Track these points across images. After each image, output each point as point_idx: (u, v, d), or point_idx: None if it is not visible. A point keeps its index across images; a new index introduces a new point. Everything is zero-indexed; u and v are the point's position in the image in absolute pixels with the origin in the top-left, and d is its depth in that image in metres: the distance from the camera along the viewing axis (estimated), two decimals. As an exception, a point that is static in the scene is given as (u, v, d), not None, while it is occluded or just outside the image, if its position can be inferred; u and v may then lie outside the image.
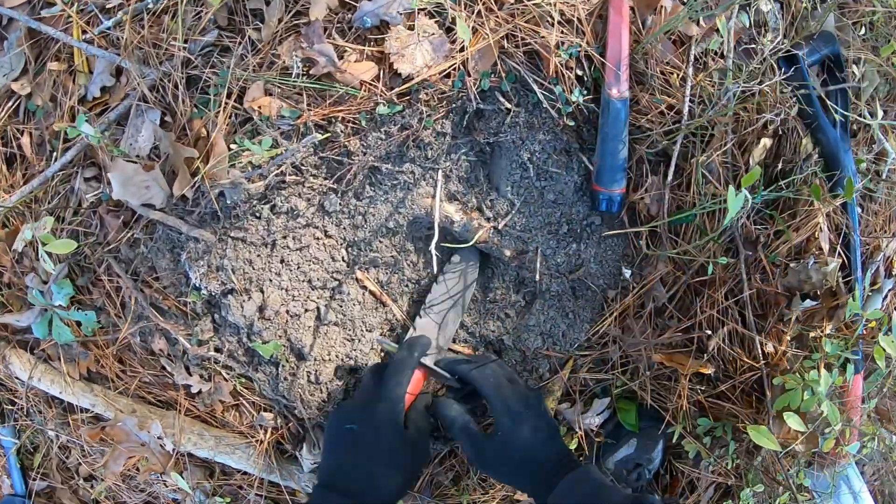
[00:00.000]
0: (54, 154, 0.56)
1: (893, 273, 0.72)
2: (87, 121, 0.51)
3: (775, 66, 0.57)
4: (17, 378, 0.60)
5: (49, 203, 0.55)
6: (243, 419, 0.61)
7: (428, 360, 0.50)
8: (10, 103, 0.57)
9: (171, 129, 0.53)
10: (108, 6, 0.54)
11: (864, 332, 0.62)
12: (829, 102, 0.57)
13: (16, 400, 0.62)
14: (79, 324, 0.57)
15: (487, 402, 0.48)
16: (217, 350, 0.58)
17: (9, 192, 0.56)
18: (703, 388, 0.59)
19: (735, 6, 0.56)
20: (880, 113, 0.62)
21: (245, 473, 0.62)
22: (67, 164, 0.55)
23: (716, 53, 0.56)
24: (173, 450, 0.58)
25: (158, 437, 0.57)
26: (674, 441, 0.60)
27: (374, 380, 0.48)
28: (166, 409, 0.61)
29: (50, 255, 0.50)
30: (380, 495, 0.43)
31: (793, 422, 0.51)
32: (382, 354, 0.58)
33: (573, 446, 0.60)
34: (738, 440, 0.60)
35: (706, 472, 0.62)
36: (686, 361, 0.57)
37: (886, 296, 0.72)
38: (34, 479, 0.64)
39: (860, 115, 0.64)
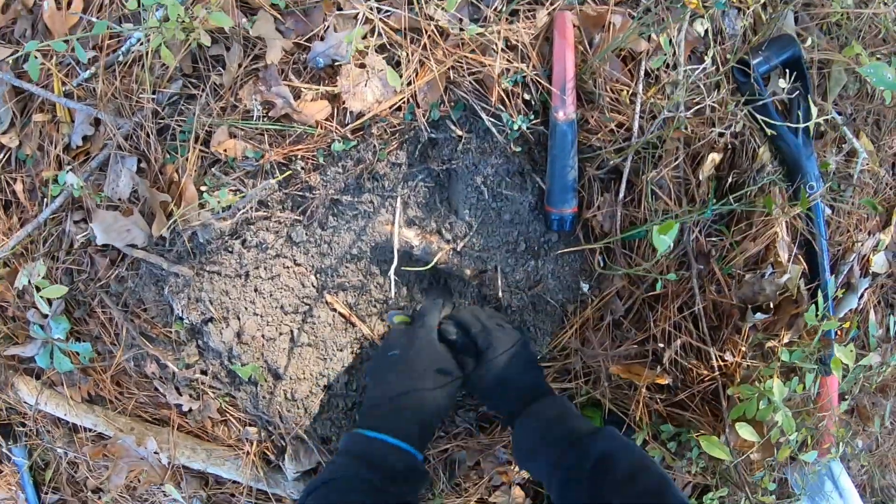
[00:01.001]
0: (45, 200, 0.62)
1: (870, 271, 0.73)
2: (71, 170, 0.57)
3: (727, 77, 0.58)
4: (25, 402, 0.68)
5: (43, 245, 0.62)
6: (231, 433, 0.67)
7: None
8: (1, 154, 0.63)
9: (146, 174, 0.58)
10: (83, 60, 0.60)
11: (839, 333, 0.63)
12: (803, 105, 0.57)
13: (25, 422, 0.70)
14: (77, 353, 0.64)
15: (477, 336, 0.54)
16: (203, 372, 0.64)
17: (7, 236, 0.63)
18: (662, 398, 0.62)
19: (686, 18, 0.57)
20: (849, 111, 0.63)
21: (235, 482, 0.68)
22: (57, 210, 0.61)
23: (667, 67, 0.58)
24: (169, 463, 0.65)
25: (155, 452, 0.64)
26: (639, 444, 0.63)
27: (403, 326, 0.55)
28: (161, 426, 0.68)
29: (45, 297, 0.57)
30: (427, 411, 0.49)
31: (745, 432, 0.54)
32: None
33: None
34: (700, 447, 0.62)
35: (680, 472, 0.66)
36: (642, 372, 0.60)
37: (863, 294, 0.73)
38: (46, 493, 0.72)
39: (828, 116, 0.65)
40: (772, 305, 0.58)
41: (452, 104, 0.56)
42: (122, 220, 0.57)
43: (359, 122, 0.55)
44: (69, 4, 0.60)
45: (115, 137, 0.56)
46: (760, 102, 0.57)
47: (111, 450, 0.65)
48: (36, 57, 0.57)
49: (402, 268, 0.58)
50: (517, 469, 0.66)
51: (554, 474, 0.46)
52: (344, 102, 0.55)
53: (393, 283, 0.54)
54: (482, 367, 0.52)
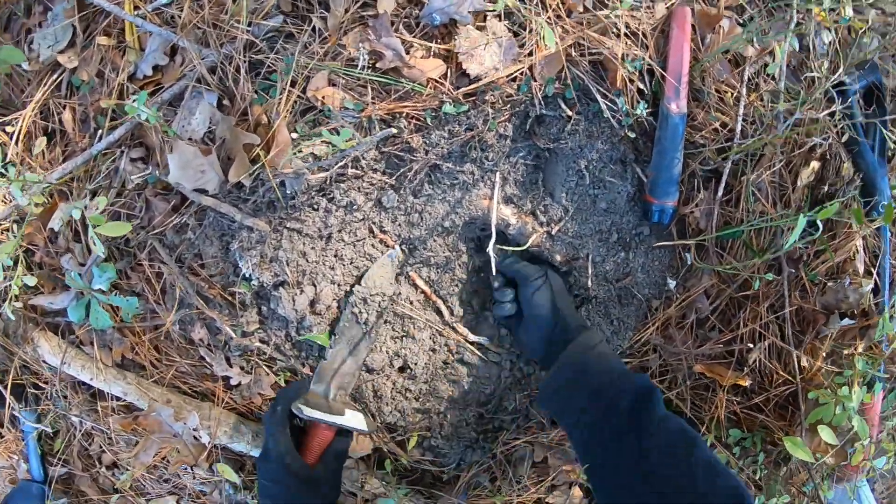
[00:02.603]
0: (99, 132, 0.54)
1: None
2: (145, 98, 0.50)
3: (830, 94, 0.59)
4: (44, 362, 0.58)
5: (91, 183, 0.54)
6: (281, 413, 0.60)
7: (311, 412, 0.50)
8: (54, 76, 0.55)
9: (229, 113, 0.52)
10: (163, -18, 0.53)
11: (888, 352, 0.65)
12: (880, 128, 0.59)
13: (40, 384, 0.60)
14: (116, 310, 0.56)
15: (519, 288, 0.55)
16: (263, 342, 0.57)
17: (46, 169, 0.54)
18: (738, 400, 0.61)
19: (790, 32, 0.58)
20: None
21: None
22: (113, 144, 0.53)
23: (768, 75, 0.58)
24: (209, 442, 0.57)
25: (194, 429, 0.57)
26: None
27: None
28: (202, 399, 0.60)
29: (97, 237, 0.49)
30: None
31: (826, 435, 0.54)
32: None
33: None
34: (766, 452, 0.62)
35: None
36: (725, 373, 0.59)
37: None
38: (54, 465, 0.62)
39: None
40: (855, 312, 0.59)
41: (570, 81, 0.53)
42: (200, 158, 0.50)
43: (473, 86, 0.52)
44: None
45: (199, 68, 0.50)
46: (853, 121, 0.58)
47: (143, 423, 0.57)
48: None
49: (498, 247, 0.54)
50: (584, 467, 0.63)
51: (588, 411, 0.46)
52: (460, 64, 0.51)
53: (493, 259, 0.50)
54: (521, 316, 0.54)
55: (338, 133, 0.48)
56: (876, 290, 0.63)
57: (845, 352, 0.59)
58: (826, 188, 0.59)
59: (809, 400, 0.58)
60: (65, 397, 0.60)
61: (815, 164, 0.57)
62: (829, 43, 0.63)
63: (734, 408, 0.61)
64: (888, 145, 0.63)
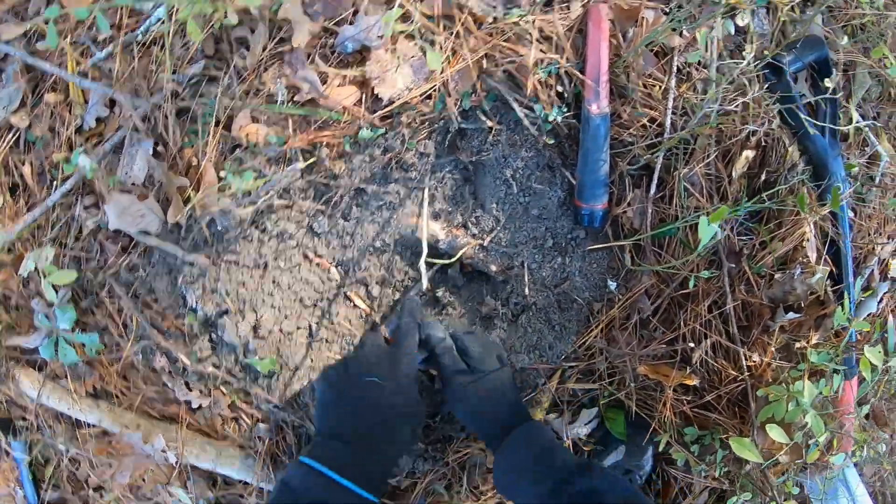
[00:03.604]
0: (55, 183, 0.59)
1: (889, 276, 0.72)
2: (83, 152, 0.54)
3: (759, 76, 0.57)
4: (27, 395, 0.64)
5: (51, 230, 0.59)
6: (242, 431, 0.64)
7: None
8: (9, 135, 0.60)
9: (163, 158, 0.56)
10: (99, 38, 0.57)
11: (859, 337, 0.62)
12: (830, 106, 0.57)
13: (26, 416, 0.66)
14: (83, 345, 0.61)
15: (466, 349, 0.53)
16: (216, 367, 0.61)
17: (13, 220, 0.60)
18: (688, 399, 0.60)
19: (719, 15, 0.56)
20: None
21: (245, 483, 0.65)
22: (67, 193, 0.58)
23: (699, 64, 0.57)
24: (176, 462, 0.61)
25: (162, 450, 0.61)
26: (661, 449, 0.61)
27: (381, 340, 0.51)
28: (169, 423, 0.64)
29: (52, 284, 0.54)
30: (388, 453, 0.46)
31: (775, 433, 0.53)
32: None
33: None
34: (726, 448, 0.61)
35: (699, 477, 0.64)
36: (670, 373, 0.58)
37: (882, 299, 0.72)
38: (46, 490, 0.68)
39: (851, 119, 0.64)
40: (802, 305, 0.57)
41: (484, 94, 0.54)
42: (138, 205, 0.54)
43: (388, 109, 0.53)
44: (85, -19, 0.58)
45: (132, 118, 0.54)
46: (793, 98, 0.56)
47: (116, 446, 0.62)
48: (54, 23, 0.54)
49: (428, 260, 0.56)
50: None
51: None
52: (373, 88, 0.53)
53: (424, 274, 0.52)
54: (474, 375, 0.50)
55: (241, 175, 0.51)
56: (833, 278, 0.61)
57: (797, 345, 0.58)
58: (764, 176, 0.58)
59: (760, 397, 0.56)
60: (49, 427, 0.65)
61: (748, 154, 0.56)
62: (769, 22, 0.61)
63: (684, 408, 0.60)
64: (840, 124, 0.60)
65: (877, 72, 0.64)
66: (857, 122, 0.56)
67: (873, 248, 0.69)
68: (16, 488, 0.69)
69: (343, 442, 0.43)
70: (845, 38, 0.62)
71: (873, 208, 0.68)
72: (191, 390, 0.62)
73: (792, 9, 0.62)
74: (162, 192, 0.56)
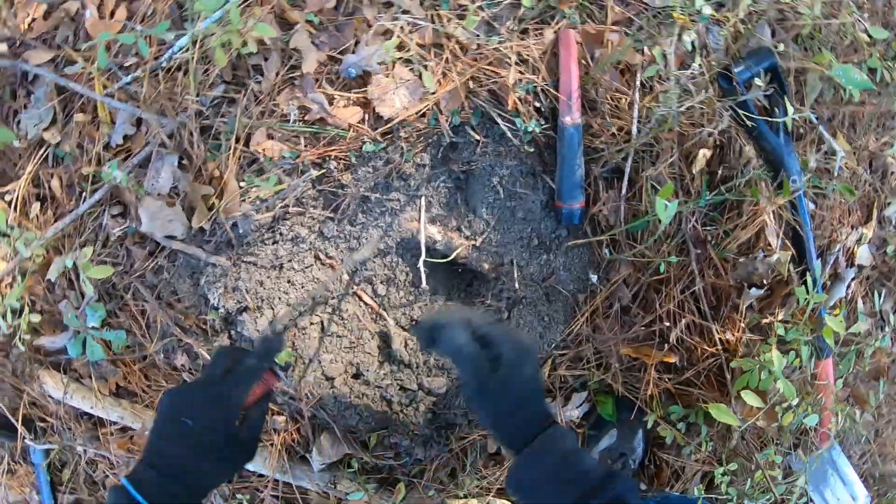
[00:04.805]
0: (83, 195, 0.72)
1: (854, 263, 0.87)
2: (115, 166, 0.68)
3: (713, 84, 0.73)
4: (50, 397, 0.76)
5: (80, 238, 0.72)
6: (256, 426, 0.76)
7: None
8: (41, 150, 0.74)
9: (188, 170, 0.70)
10: (125, 64, 0.72)
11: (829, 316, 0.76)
12: (783, 107, 0.71)
13: (46, 418, 0.78)
14: (108, 344, 0.73)
15: (495, 343, 0.51)
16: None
17: (41, 229, 0.73)
18: (670, 377, 0.74)
19: (675, 34, 0.72)
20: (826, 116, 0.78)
21: (260, 476, 0.77)
22: (95, 204, 0.71)
23: (660, 77, 0.73)
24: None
25: (181, 445, 0.73)
26: (649, 427, 0.74)
27: (220, 372, 0.51)
28: (186, 420, 0.76)
29: (88, 280, 0.67)
30: (199, 485, 0.49)
31: (750, 398, 0.65)
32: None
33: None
34: (710, 425, 0.74)
35: (689, 460, 0.77)
36: (651, 353, 0.72)
37: (849, 284, 0.87)
38: (63, 494, 0.80)
39: (806, 120, 0.80)
40: (765, 282, 0.71)
41: (471, 111, 0.69)
42: (167, 210, 0.67)
43: (388, 126, 0.68)
44: (112, 14, 0.73)
45: (159, 135, 0.68)
46: (741, 100, 0.72)
47: (137, 441, 0.74)
48: (82, 60, 0.68)
49: (427, 259, 0.70)
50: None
51: None
52: (374, 108, 0.67)
53: (423, 273, 0.66)
54: (499, 375, 0.49)
55: (266, 180, 0.65)
56: (797, 261, 0.76)
57: (764, 321, 0.72)
58: (721, 171, 0.73)
59: (734, 369, 0.70)
60: (69, 429, 0.77)
61: (705, 152, 0.71)
62: (724, 37, 0.77)
63: (667, 385, 0.74)
64: (791, 123, 0.76)
65: (827, 76, 0.80)
66: (794, 117, 0.71)
67: (835, 237, 0.85)
68: (31, 493, 0.80)
69: (158, 473, 0.47)
70: (794, 46, 0.78)
71: (833, 199, 0.84)
72: (208, 386, 0.75)
73: (742, 21, 0.78)
74: (186, 202, 0.70)
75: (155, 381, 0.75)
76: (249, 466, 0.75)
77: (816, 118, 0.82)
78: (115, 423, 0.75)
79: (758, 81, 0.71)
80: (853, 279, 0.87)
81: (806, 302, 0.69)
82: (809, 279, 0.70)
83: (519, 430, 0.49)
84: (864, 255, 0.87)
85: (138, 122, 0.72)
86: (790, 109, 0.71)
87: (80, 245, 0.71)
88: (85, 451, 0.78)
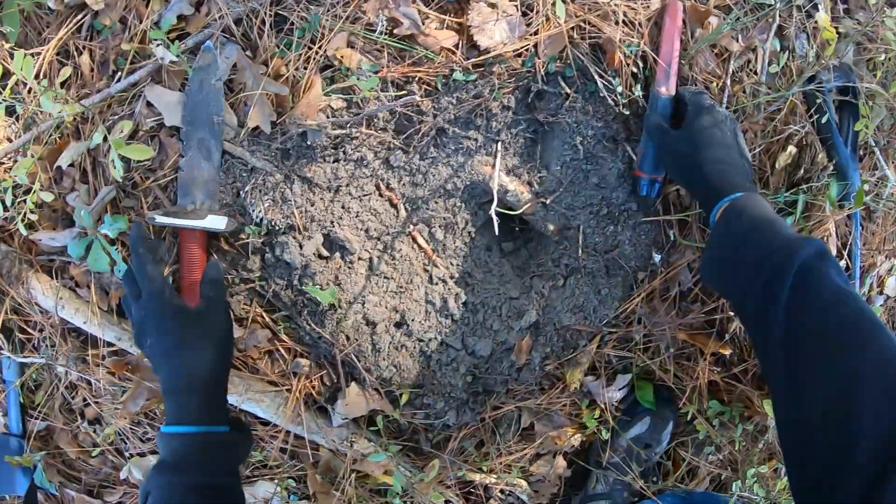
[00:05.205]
0: (118, 74, 0.60)
1: (883, 291, 0.87)
2: (162, 44, 0.56)
3: (800, 85, 0.70)
4: (37, 304, 0.62)
5: (105, 123, 0.59)
6: (275, 368, 0.65)
7: (165, 218, 0.51)
8: (77, 18, 0.60)
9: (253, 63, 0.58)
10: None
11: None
12: (852, 126, 0.70)
13: (29, 330, 0.63)
14: (114, 261, 0.60)
15: (687, 103, 0.55)
16: (263, 288, 0.62)
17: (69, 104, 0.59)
18: (718, 370, 0.69)
19: (771, 33, 0.69)
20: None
21: (268, 424, 0.66)
22: (133, 85, 0.59)
23: (751, 70, 0.69)
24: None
25: (187, 377, 0.61)
26: (688, 418, 0.69)
27: (134, 273, 0.52)
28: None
29: (120, 160, 0.53)
30: (196, 376, 0.48)
31: None
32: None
33: (597, 416, 0.69)
34: (743, 426, 0.70)
35: (705, 461, 0.72)
36: (706, 342, 0.67)
37: (875, 311, 0.86)
38: (35, 419, 0.65)
39: (866, 143, 0.79)
40: None
41: (567, 63, 0.62)
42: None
43: (482, 57, 0.60)
44: None
45: (226, 18, 0.57)
46: (825, 114, 0.69)
47: (136, 368, 0.61)
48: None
49: (497, 209, 0.62)
50: (569, 434, 0.70)
51: (753, 283, 0.40)
52: (472, 36, 0.59)
53: (495, 221, 0.58)
54: (683, 129, 0.52)
55: (368, 79, 0.55)
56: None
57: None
58: (801, 173, 0.70)
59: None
60: (53, 345, 0.63)
61: (792, 150, 0.68)
62: (810, 46, 0.74)
63: (714, 377, 0.69)
64: (859, 142, 0.74)
65: (892, 105, 0.79)
66: (861, 136, 0.69)
67: (874, 262, 0.83)
68: (-4, 413, 0.65)
69: (167, 398, 0.48)
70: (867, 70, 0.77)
71: (877, 225, 0.83)
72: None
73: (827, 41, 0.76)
74: (242, 99, 0.58)
75: (167, 302, 0.62)
76: (259, 412, 0.64)
77: (875, 143, 0.81)
78: (109, 344, 0.62)
79: (836, 95, 0.68)
80: (881, 305, 0.86)
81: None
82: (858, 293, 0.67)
83: (707, 182, 0.49)
84: (892, 285, 0.87)
85: (198, 3, 0.60)
86: (870, 126, 0.69)
87: (106, 129, 0.58)
88: (67, 372, 0.64)
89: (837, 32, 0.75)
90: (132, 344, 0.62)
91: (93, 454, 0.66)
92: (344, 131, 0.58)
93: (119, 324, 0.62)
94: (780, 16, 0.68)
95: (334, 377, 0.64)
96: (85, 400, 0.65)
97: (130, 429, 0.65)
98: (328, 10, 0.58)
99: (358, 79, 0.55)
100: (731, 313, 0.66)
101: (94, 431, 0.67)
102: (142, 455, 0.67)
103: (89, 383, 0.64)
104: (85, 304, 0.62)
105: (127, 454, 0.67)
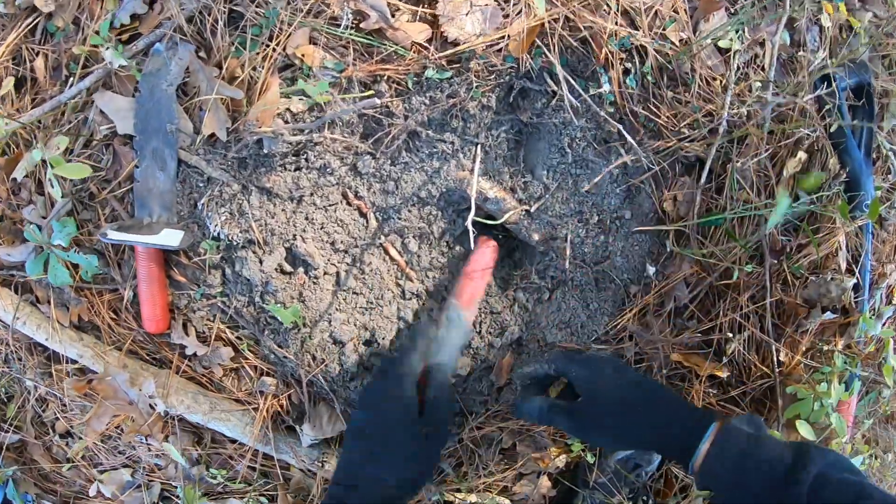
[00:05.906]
0: (70, 80, 0.52)
1: (893, 301, 0.75)
2: (112, 47, 0.48)
3: (814, 84, 0.59)
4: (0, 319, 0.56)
5: (59, 132, 0.52)
6: (241, 385, 0.58)
7: (117, 234, 0.45)
8: (29, 20, 0.53)
9: (205, 65, 0.50)
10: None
11: (869, 352, 0.64)
12: (866, 128, 0.59)
13: (-8, 343, 0.57)
14: (76, 267, 0.54)
15: (566, 376, 0.49)
16: (224, 305, 0.55)
17: (14, 117, 0.52)
18: (714, 392, 0.60)
19: (782, 24, 0.57)
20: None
21: (237, 443, 0.59)
22: (84, 91, 0.51)
23: (757, 66, 0.58)
24: (164, 412, 0.55)
25: (150, 396, 0.54)
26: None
27: (385, 375, 0.48)
28: (159, 367, 0.57)
29: (60, 180, 0.47)
30: (391, 488, 0.43)
31: (804, 430, 0.53)
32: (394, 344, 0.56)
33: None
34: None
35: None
36: (702, 363, 0.57)
37: (885, 322, 0.75)
38: (7, 431, 0.59)
39: (879, 146, 0.67)
40: (837, 307, 0.58)
41: (555, 57, 0.52)
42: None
43: (457, 50, 0.50)
44: None
45: (177, 17, 0.48)
46: (838, 107, 0.58)
47: (97, 387, 0.54)
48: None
49: (475, 218, 0.53)
50: (553, 456, 0.61)
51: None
52: (441, 27, 0.50)
53: (471, 233, 0.49)
54: (584, 401, 0.46)
55: (317, 84, 0.46)
56: (857, 288, 0.63)
57: (825, 348, 0.58)
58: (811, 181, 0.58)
59: (787, 394, 0.56)
60: (19, 359, 0.57)
61: (802, 155, 0.57)
62: (821, 39, 0.63)
63: (710, 400, 0.59)
64: (874, 145, 0.62)
65: (908, 104, 0.67)
66: (876, 139, 0.58)
67: (884, 272, 0.72)
68: (-37, 426, 0.60)
69: (343, 488, 0.43)
70: (882, 68, 0.64)
71: (888, 233, 0.71)
72: (187, 334, 0.56)
73: (840, 32, 0.64)
74: (195, 103, 0.50)
75: (125, 320, 0.55)
76: (226, 431, 0.57)
77: (890, 145, 0.69)
78: (72, 361, 0.56)
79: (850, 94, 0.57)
80: (889, 317, 0.75)
81: (866, 334, 0.56)
82: (865, 310, 0.57)
83: (652, 429, 0.44)
84: (902, 295, 0.75)
85: (152, 1, 0.52)
86: (888, 125, 0.57)
87: (56, 137, 0.51)
88: (35, 386, 0.57)
89: (850, 28, 0.64)
90: (94, 362, 0.55)
91: (65, 469, 0.60)
92: (305, 137, 0.49)
93: (81, 340, 0.56)
94: (789, 6, 0.57)
95: (302, 397, 0.57)
96: (55, 414, 0.59)
97: (101, 444, 0.59)
98: (288, 4, 0.49)
99: (306, 82, 0.46)
100: (730, 333, 0.56)
101: (67, 444, 0.60)
102: (114, 468, 0.61)
103: (57, 397, 0.58)
104: (47, 319, 0.55)
105: (98, 467, 0.61)
